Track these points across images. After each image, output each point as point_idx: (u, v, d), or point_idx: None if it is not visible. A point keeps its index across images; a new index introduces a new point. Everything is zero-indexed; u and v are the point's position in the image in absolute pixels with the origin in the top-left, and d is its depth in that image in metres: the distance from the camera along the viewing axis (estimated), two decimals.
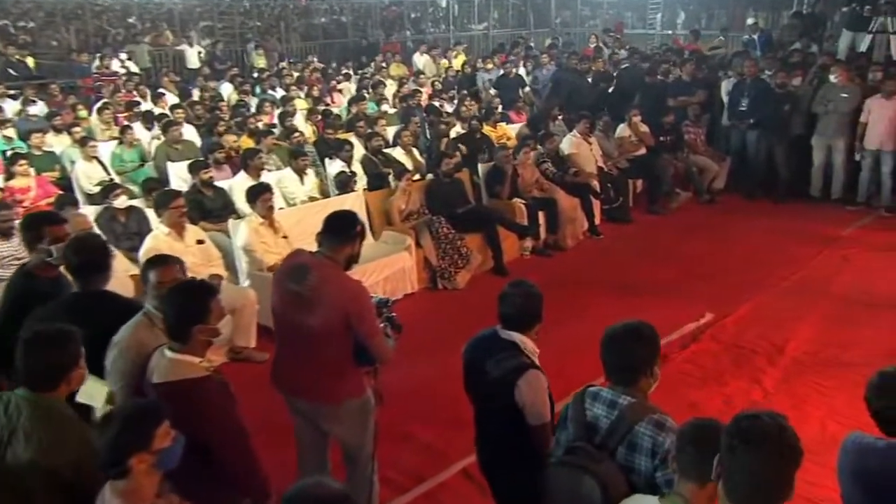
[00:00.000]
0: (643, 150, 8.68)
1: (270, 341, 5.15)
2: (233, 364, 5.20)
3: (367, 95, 10.28)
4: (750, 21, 13.05)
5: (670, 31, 17.19)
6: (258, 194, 5.49)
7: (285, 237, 5.63)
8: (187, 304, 2.53)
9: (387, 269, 6.18)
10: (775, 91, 8.49)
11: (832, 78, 8.21)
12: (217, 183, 6.58)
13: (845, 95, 8.06)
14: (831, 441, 3.85)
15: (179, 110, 8.44)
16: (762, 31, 12.13)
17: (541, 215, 7.29)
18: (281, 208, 6.50)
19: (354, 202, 6.59)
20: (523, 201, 7.26)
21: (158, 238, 4.93)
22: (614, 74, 10.35)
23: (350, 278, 3.06)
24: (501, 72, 11.42)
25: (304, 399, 3.15)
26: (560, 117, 9.16)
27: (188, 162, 6.65)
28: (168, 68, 13.09)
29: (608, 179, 8.12)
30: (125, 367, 2.69)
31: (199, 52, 14.91)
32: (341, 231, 3.06)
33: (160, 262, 3.01)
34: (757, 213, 8.31)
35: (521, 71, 11.94)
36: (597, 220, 7.78)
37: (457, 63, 13.88)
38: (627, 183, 8.38)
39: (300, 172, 7.03)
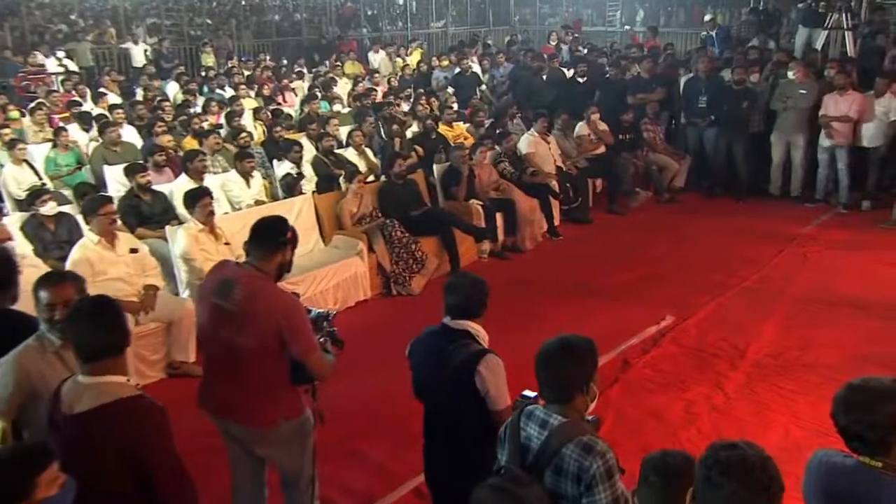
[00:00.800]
0: (602, 149, 8.64)
1: None
2: (171, 380, 4.97)
3: (318, 95, 10.07)
4: (707, 17, 13.11)
5: (629, 28, 17.28)
6: (197, 199, 5.24)
7: (227, 244, 5.38)
8: (113, 320, 2.29)
9: (337, 275, 6.03)
10: (733, 88, 8.50)
11: (790, 74, 8.24)
12: (157, 187, 6.31)
13: (803, 92, 8.09)
14: (795, 447, 3.82)
15: (119, 111, 8.13)
16: (720, 27, 12.20)
17: (498, 217, 7.21)
18: (226, 213, 6.33)
19: (303, 205, 6.47)
20: (480, 203, 7.16)
21: (87, 247, 4.64)
22: (575, 71, 10.23)
23: (281, 291, 2.86)
24: (458, 69, 11.27)
25: (236, 422, 2.93)
26: (518, 116, 9.08)
27: (124, 165, 6.35)
28: (110, 67, 12.64)
29: (567, 179, 8.06)
30: (3, 393, 2.44)
31: (146, 51, 14.55)
32: (269, 239, 2.86)
33: (52, 279, 2.72)
34: (717, 211, 8.33)
35: (477, 69, 11.82)
36: (556, 221, 7.72)
37: (413, 60, 13.70)
38: (587, 182, 8.31)
39: (246, 175, 6.79)
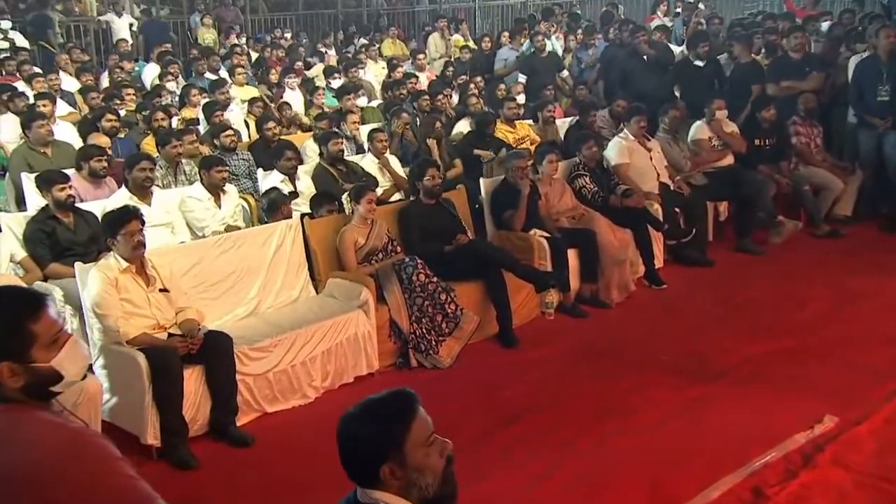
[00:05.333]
0: (730, 160, 8.33)
1: (130, 454, 4.50)
2: None
3: (327, 82, 10.45)
4: None
5: None
6: (120, 223, 4.78)
7: (165, 291, 4.93)
8: None
9: (330, 337, 5.54)
10: None
11: None
12: (89, 205, 6.10)
13: None
14: None
15: (44, 101, 8.02)
16: None
17: (572, 255, 6.87)
18: (182, 242, 6.12)
19: (286, 234, 6.10)
20: (546, 234, 6.81)
21: None
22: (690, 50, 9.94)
23: (50, 424, 2.03)
24: (532, 49, 11.14)
25: None
26: (604, 108, 9.06)
27: (35, 174, 6.19)
28: (75, 44, 12.83)
29: (676, 202, 7.72)
30: None
31: (131, 25, 14.85)
32: None
33: None
34: None
35: (557, 48, 11.81)
36: (658, 263, 7.44)
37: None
38: (705, 207, 8.01)
39: (215, 189, 6.52)
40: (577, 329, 6.50)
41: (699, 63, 9.53)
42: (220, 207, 6.48)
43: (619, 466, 4.37)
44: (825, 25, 10.58)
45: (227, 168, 6.68)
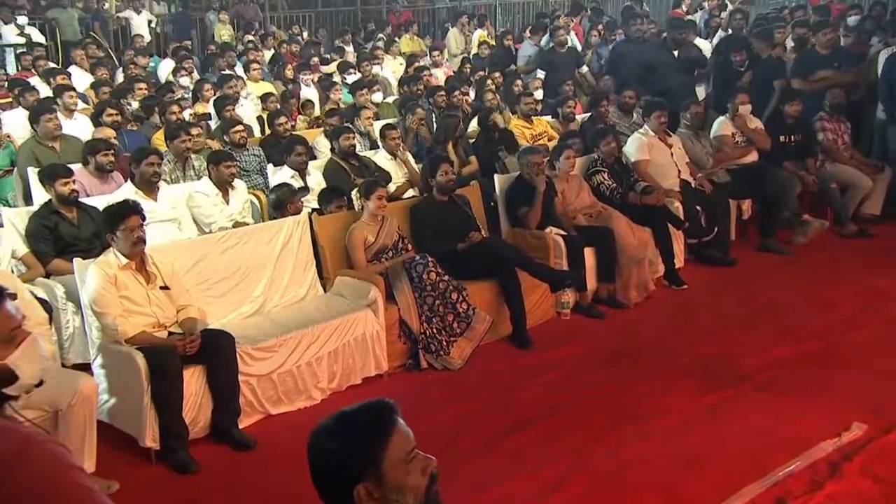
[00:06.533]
0: (754, 157, 8.22)
1: (128, 457, 4.50)
2: None
3: (341, 78, 10.47)
4: None
5: None
6: (118, 218, 4.63)
7: (165, 288, 4.79)
8: None
9: (337, 337, 5.41)
10: None
11: None
12: (95, 200, 6.01)
13: None
14: None
15: (70, 93, 8.06)
16: None
17: (589, 254, 6.73)
18: (189, 239, 6.01)
19: (294, 230, 5.97)
20: (562, 232, 6.70)
21: None
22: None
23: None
24: (551, 44, 11.05)
25: None
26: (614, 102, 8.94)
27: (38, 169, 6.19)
28: (92, 40, 12.96)
29: (697, 200, 7.58)
30: None
31: (150, 22, 14.96)
32: None
33: None
34: None
35: (576, 43, 11.78)
36: (678, 262, 7.30)
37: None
38: (728, 205, 7.88)
39: (223, 185, 6.43)
40: (593, 330, 6.39)
41: (739, 68, 9.43)
42: (227, 203, 6.41)
43: (636, 473, 4.25)
44: (852, 20, 10.44)
45: (236, 163, 6.61)
